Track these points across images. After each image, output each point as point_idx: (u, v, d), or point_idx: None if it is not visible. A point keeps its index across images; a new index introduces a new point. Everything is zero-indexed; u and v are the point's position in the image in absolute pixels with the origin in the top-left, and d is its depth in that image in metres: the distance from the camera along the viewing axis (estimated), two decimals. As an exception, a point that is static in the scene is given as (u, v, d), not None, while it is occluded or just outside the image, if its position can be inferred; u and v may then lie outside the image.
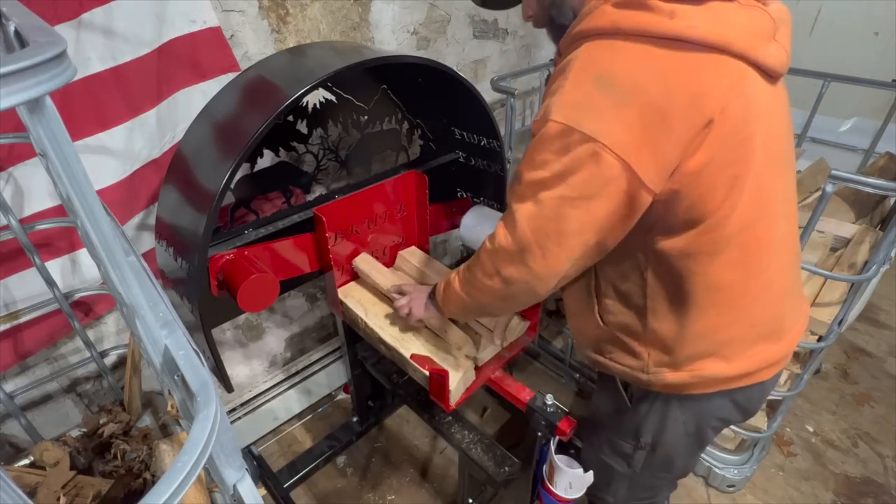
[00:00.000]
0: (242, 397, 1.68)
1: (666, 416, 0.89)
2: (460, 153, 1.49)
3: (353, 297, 1.29)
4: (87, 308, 1.19)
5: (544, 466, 1.10)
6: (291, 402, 1.81)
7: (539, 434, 1.06)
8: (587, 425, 1.09)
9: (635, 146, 0.63)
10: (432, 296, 1.02)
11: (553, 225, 0.70)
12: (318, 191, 1.38)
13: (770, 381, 0.87)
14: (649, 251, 0.76)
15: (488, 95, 1.51)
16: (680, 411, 0.88)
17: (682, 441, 0.92)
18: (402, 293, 1.15)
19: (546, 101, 0.70)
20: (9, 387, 1.10)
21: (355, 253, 1.35)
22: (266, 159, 1.26)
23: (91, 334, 1.21)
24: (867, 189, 1.16)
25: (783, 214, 0.77)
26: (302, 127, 1.26)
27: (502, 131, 1.45)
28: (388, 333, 1.18)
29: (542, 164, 0.69)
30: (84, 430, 1.07)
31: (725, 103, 0.64)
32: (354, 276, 1.38)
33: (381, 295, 1.30)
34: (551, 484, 1.08)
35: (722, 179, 0.68)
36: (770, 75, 0.70)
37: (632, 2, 0.65)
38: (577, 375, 1.94)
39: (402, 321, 1.20)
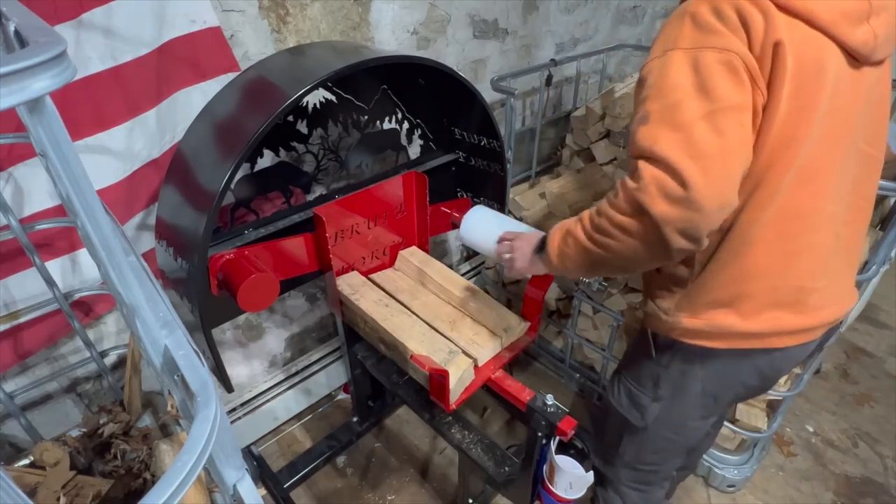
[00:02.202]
0: (242, 397, 1.68)
1: (686, 371, 0.91)
2: (460, 153, 1.49)
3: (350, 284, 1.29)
4: (87, 308, 1.19)
5: (544, 466, 1.10)
6: (291, 402, 1.81)
7: (539, 434, 1.06)
8: (613, 377, 1.12)
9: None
10: (541, 249, 0.92)
11: (711, 140, 0.66)
12: (318, 191, 1.38)
13: (793, 350, 0.87)
14: None
15: (488, 95, 1.51)
16: (700, 368, 0.90)
17: (698, 401, 0.94)
18: (505, 240, 1.05)
19: (655, 45, 0.74)
20: (9, 387, 1.10)
21: (355, 253, 1.35)
22: (266, 159, 1.26)
23: (91, 334, 1.21)
24: (867, 189, 1.16)
25: (838, 198, 0.79)
26: (302, 127, 1.26)
27: (502, 131, 1.45)
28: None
29: (676, 88, 0.70)
30: (84, 430, 1.07)
31: (800, 49, 0.68)
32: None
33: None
34: (551, 484, 1.08)
35: (773, 134, 0.71)
36: (857, 59, 0.72)
37: None
38: (577, 375, 1.94)
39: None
